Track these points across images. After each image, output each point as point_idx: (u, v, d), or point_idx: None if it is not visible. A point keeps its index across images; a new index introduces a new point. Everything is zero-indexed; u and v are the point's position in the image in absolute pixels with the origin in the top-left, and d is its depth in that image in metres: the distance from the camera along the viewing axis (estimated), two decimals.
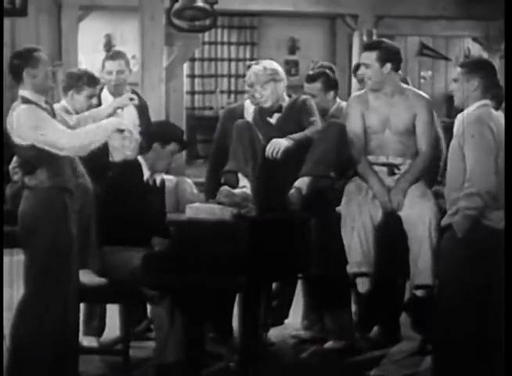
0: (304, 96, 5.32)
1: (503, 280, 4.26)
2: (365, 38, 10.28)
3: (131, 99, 5.26)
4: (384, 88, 5.00)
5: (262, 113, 5.22)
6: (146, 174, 5.25)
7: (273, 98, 5.15)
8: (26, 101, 4.55)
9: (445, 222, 4.45)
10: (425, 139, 4.96)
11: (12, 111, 4.56)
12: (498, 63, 11.41)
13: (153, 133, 5.31)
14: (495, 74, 4.53)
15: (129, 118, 5.64)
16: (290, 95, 5.27)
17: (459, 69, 4.51)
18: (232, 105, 6.32)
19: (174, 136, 5.30)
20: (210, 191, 5.61)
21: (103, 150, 5.43)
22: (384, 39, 5.16)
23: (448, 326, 4.39)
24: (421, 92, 5.15)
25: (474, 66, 4.48)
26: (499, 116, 4.43)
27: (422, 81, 12.71)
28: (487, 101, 4.44)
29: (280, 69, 5.28)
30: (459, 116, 4.47)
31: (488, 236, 4.31)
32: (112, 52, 6.01)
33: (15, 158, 5.17)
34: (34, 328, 4.54)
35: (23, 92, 4.57)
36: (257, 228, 4.71)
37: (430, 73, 12.50)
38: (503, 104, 4.96)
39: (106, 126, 4.65)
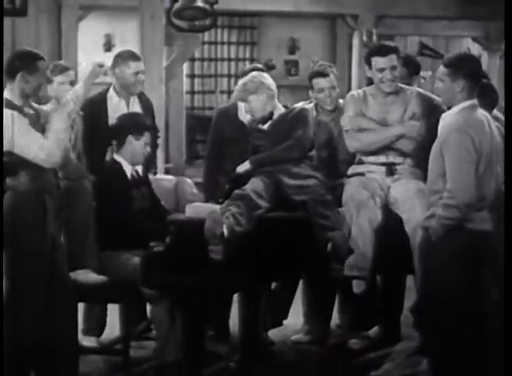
0: (301, 106, 5.30)
1: (495, 279, 4.27)
2: (365, 38, 10.26)
3: (101, 66, 4.82)
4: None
5: (254, 121, 5.23)
6: (129, 169, 5.25)
7: (258, 110, 5.12)
8: (9, 105, 4.47)
9: (423, 224, 4.41)
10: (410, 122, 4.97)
11: None
12: (498, 63, 11.45)
13: (126, 126, 5.23)
14: (480, 70, 4.46)
15: None
16: (286, 106, 5.24)
17: (443, 69, 4.39)
18: (224, 105, 6.27)
19: (147, 125, 5.29)
20: (209, 192, 5.61)
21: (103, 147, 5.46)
22: (391, 43, 5.17)
23: (435, 327, 4.36)
24: (417, 88, 5.17)
25: (459, 66, 4.35)
26: (482, 118, 4.35)
27: (422, 81, 12.69)
28: (472, 101, 4.35)
29: (263, 80, 5.14)
30: (444, 115, 4.43)
31: (465, 237, 4.25)
32: (130, 51, 5.82)
33: None
34: (12, 331, 4.50)
35: (9, 95, 4.50)
36: (258, 227, 4.71)
37: (429, 73, 12.49)
38: (495, 100, 4.98)
39: (64, 113, 4.55)
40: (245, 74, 5.45)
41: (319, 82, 5.45)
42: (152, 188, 5.39)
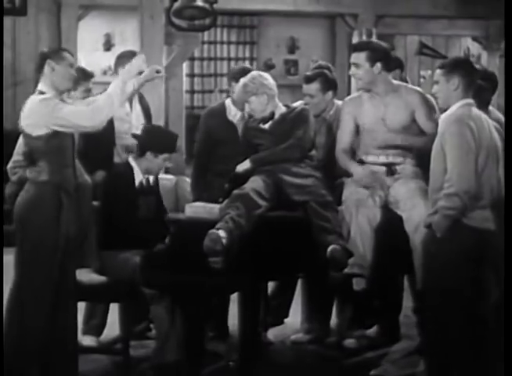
0: (302, 106, 5.29)
1: (494, 278, 4.29)
2: (364, 38, 10.25)
3: (158, 72, 4.93)
4: (376, 88, 4.99)
5: (255, 121, 5.19)
6: (139, 177, 5.23)
7: (259, 110, 5.10)
8: (42, 94, 4.55)
9: (426, 221, 4.43)
10: (430, 124, 4.94)
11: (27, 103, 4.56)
12: (497, 62, 11.45)
13: (147, 142, 5.21)
14: (475, 72, 4.52)
15: (137, 120, 5.63)
16: (287, 105, 5.22)
17: (438, 70, 4.47)
18: (212, 105, 6.28)
19: (168, 147, 5.24)
20: (197, 192, 5.60)
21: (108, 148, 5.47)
22: (373, 39, 5.17)
23: (437, 327, 4.37)
24: (412, 86, 5.17)
25: (453, 66, 4.44)
26: (481, 115, 4.40)
27: (421, 80, 12.70)
28: (469, 100, 4.41)
29: (263, 81, 5.10)
30: (443, 116, 4.46)
31: (469, 236, 4.27)
32: (134, 51, 5.79)
33: (13, 158, 5.18)
34: (20, 325, 4.51)
35: (42, 87, 4.58)
36: (257, 227, 4.71)
37: (429, 72, 12.50)
38: (487, 102, 5.00)
39: (115, 89, 4.61)
40: (235, 74, 5.49)
41: (303, 88, 5.51)
42: (160, 195, 5.37)
